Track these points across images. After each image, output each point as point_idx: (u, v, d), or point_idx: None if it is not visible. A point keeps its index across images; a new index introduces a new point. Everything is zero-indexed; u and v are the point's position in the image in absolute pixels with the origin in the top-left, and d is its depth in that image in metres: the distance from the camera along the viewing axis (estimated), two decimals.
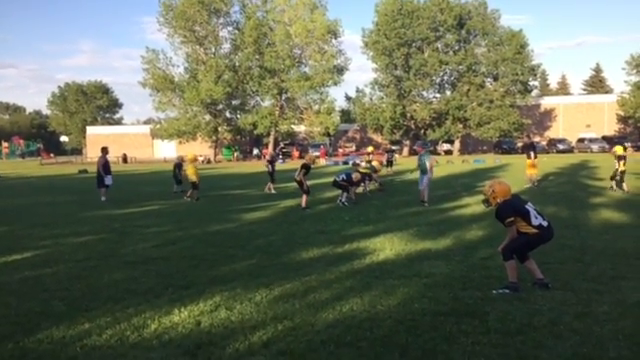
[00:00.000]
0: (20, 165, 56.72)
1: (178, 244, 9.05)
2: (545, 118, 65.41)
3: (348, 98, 61.03)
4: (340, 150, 61.85)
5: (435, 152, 52.20)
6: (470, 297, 5.55)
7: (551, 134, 62.84)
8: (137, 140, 71.86)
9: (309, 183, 14.22)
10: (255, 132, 56.89)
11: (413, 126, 57.98)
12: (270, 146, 56.75)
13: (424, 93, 58.33)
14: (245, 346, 4.40)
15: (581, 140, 55.33)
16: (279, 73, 54.63)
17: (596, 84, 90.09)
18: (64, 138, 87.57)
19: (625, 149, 16.81)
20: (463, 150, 58.40)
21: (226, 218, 12.21)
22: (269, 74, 54.38)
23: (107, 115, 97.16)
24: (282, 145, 59.06)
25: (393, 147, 37.67)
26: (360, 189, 15.53)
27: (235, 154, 60.49)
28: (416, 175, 14.31)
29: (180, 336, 4.68)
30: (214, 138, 57.66)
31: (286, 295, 5.79)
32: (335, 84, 54.73)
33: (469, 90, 55.21)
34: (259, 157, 58.42)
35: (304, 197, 13.51)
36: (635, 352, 4.15)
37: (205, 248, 8.64)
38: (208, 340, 4.56)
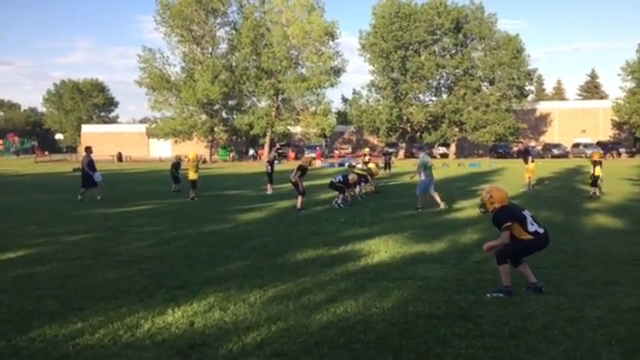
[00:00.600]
0: (14, 162, 56.45)
1: (172, 244, 9.03)
2: (540, 123, 65.73)
3: (345, 100, 61.16)
4: (336, 152, 61.90)
5: (431, 155, 52.21)
6: (464, 300, 5.56)
7: (546, 139, 63.15)
8: (132, 139, 71.67)
9: (305, 184, 14.21)
10: (251, 133, 56.86)
11: (409, 129, 58.10)
12: (266, 147, 56.71)
13: (420, 96, 58.53)
14: (239, 347, 4.39)
15: (576, 145, 55.58)
16: (276, 74, 54.63)
17: (591, 90, 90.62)
18: (59, 136, 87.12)
19: (601, 155, 17.02)
20: (459, 154, 58.56)
21: (221, 218, 12.18)
22: (266, 75, 54.36)
23: (103, 113, 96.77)
24: (278, 146, 58.87)
25: (390, 150, 37.75)
26: (357, 190, 15.53)
27: (231, 154, 60.41)
28: (416, 179, 14.05)
29: (173, 336, 4.66)
30: (210, 138, 57.59)
31: (280, 296, 5.78)
32: (332, 86, 54.77)
33: (465, 94, 55.39)
34: (255, 158, 58.39)
35: (299, 198, 13.51)
36: (628, 357, 4.16)
37: (200, 248, 8.62)
38: (201, 341, 4.54)
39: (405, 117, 56.17)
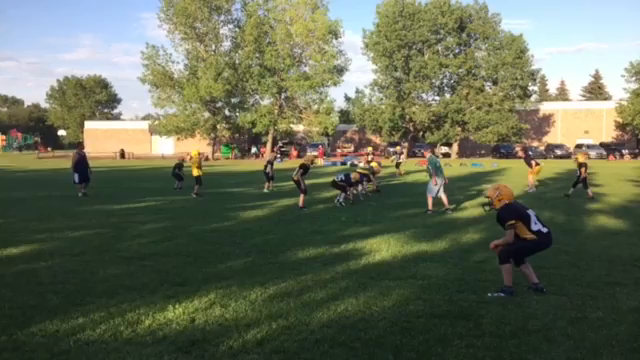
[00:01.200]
0: (17, 158, 56.57)
1: (174, 241, 9.04)
2: (544, 123, 65.55)
3: (347, 99, 61.01)
4: (338, 150, 61.85)
5: (434, 155, 52.11)
6: (465, 300, 5.56)
7: (549, 139, 62.97)
8: (135, 136, 71.71)
9: (307, 183, 14.22)
10: (254, 131, 56.81)
11: (412, 128, 58.00)
12: (268, 145, 56.73)
13: (423, 95, 58.33)
14: (239, 344, 4.40)
15: (579, 146, 55.40)
16: (279, 72, 54.61)
17: (595, 90, 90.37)
18: (62, 132, 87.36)
19: (587, 157, 17.27)
20: (461, 153, 58.45)
21: (223, 216, 12.20)
22: (269, 73, 54.34)
23: (105, 110, 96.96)
24: (280, 144, 59.05)
25: (401, 149, 37.62)
26: (359, 188, 15.53)
27: (233, 152, 60.41)
28: (426, 178, 13.77)
29: (174, 332, 4.67)
30: (213, 136, 57.60)
31: (281, 294, 5.79)
32: (335, 84, 54.70)
33: (468, 93, 55.26)
34: (257, 155, 58.39)
35: (301, 197, 13.51)
36: (629, 358, 4.16)
37: (201, 245, 8.63)
38: (202, 337, 4.55)
39: (408, 116, 56.06)
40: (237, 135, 61.79)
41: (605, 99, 76.63)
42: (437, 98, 58.89)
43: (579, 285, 6.15)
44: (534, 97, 62.22)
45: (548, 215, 11.50)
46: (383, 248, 8.27)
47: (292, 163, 41.25)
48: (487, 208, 6.20)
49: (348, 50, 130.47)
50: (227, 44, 57.42)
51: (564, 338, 4.52)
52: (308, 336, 4.56)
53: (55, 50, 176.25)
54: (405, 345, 4.37)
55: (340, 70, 55.07)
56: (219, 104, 56.39)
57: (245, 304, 5.43)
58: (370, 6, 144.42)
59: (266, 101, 57.96)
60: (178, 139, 57.85)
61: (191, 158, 17.22)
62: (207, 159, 53.18)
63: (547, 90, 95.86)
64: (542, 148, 56.91)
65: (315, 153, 41.85)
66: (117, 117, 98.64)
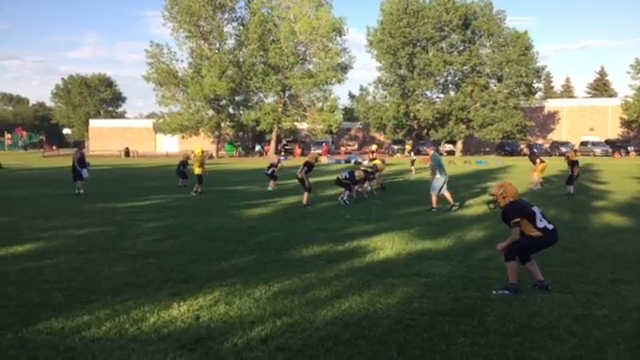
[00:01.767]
0: (22, 157, 56.81)
1: (179, 238, 9.07)
2: (549, 120, 65.26)
3: (351, 96, 60.99)
4: (342, 148, 61.80)
5: (438, 152, 52.11)
6: (469, 297, 5.55)
7: (554, 137, 62.70)
8: (140, 134, 71.87)
9: (311, 181, 14.22)
10: (258, 128, 56.86)
11: (416, 126, 57.90)
12: (272, 143, 56.75)
13: (428, 93, 58.17)
14: (244, 341, 4.41)
15: (584, 143, 55.16)
16: (283, 70, 54.62)
17: (600, 87, 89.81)
18: (67, 131, 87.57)
19: (577, 154, 17.45)
20: (465, 151, 58.28)
21: (227, 214, 12.22)
22: (273, 71, 54.36)
23: (110, 108, 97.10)
24: (284, 142, 59.07)
25: (413, 146, 37.58)
26: (365, 185, 15.51)
27: (237, 150, 60.48)
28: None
29: (179, 330, 4.68)
30: (217, 134, 57.71)
31: (285, 291, 5.80)
32: (339, 82, 54.70)
33: (473, 91, 55.10)
34: (261, 154, 58.43)
35: (305, 194, 13.51)
36: (634, 356, 4.14)
37: (206, 243, 8.65)
38: (207, 334, 4.56)
39: (412, 114, 55.95)
40: (241, 133, 61.86)
41: (610, 96, 76.17)
42: (441, 95, 58.75)
43: (584, 283, 6.13)
44: (539, 94, 62.06)
45: (553, 212, 11.46)
46: (387, 246, 8.27)
47: (296, 161, 41.23)
48: (492, 206, 6.19)
49: (352, 48, 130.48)
50: (231, 42, 57.59)
51: (569, 336, 4.50)
52: (312, 333, 4.56)
53: (59, 48, 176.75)
54: (409, 343, 4.36)
55: (344, 68, 55.06)
56: (223, 102, 56.48)
57: (249, 302, 5.44)
58: (374, 3, 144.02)
59: (270, 99, 58.06)
60: (182, 137, 57.99)
61: (195, 156, 17.26)
62: (211, 157, 53.25)
63: (552, 87, 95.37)
64: (547, 145, 56.68)
65: (319, 151, 41.87)
66: (122, 115, 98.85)
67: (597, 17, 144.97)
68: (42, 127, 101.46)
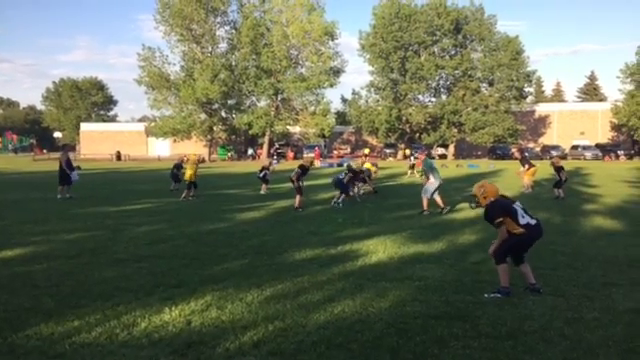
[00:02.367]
0: (13, 160, 56.35)
1: (170, 242, 9.02)
2: (540, 124, 65.72)
3: (344, 100, 61.07)
4: (335, 152, 61.81)
5: (429, 156, 52.34)
6: (462, 301, 5.56)
7: (545, 140, 63.16)
8: (131, 138, 71.56)
9: (304, 184, 14.22)
10: (250, 132, 56.79)
11: (408, 130, 58.07)
12: (265, 147, 56.66)
13: (420, 97, 58.43)
14: (236, 346, 4.38)
15: (575, 147, 55.58)
16: (275, 73, 54.63)
17: (590, 92, 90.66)
18: (58, 134, 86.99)
19: (562, 158, 17.78)
20: (457, 155, 58.54)
21: (219, 217, 12.18)
22: (265, 74, 54.34)
23: (102, 112, 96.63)
24: (277, 146, 59.02)
25: (413, 151, 37.68)
26: (356, 190, 15.52)
27: (230, 154, 60.34)
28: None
29: (170, 335, 4.65)
30: (209, 137, 57.56)
31: (278, 296, 5.78)
32: (331, 86, 54.78)
33: (464, 95, 55.38)
34: (254, 157, 58.36)
35: (297, 198, 13.51)
36: (625, 359, 4.17)
37: (197, 247, 8.61)
38: (198, 339, 4.53)
39: (404, 118, 56.13)
40: (234, 137, 61.74)
41: (600, 100, 76.86)
42: (433, 99, 59.04)
43: (575, 286, 6.16)
44: (530, 98, 62.37)
45: (544, 216, 11.51)
46: (380, 249, 8.27)
47: (289, 165, 41.19)
48: (473, 205, 6.27)
49: (344, 52, 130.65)
50: (223, 46, 57.54)
51: (560, 338, 4.52)
52: (305, 338, 4.55)
53: (51, 52, 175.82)
54: (402, 346, 4.36)
55: (336, 71, 55.18)
56: (215, 106, 56.36)
57: (241, 306, 5.42)
58: (366, 7, 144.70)
59: (262, 103, 57.99)
60: (174, 141, 57.82)
61: (188, 161, 17.19)
62: (203, 161, 53.05)
63: (543, 91, 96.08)
64: (538, 149, 57.07)
65: (312, 154, 41.86)
66: (113, 119, 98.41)
67: (587, 22, 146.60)
68: (33, 130, 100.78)
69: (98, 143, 68.92)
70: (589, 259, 7.58)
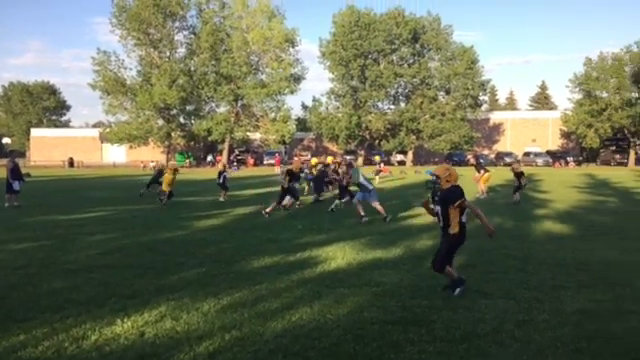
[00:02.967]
0: None
1: (124, 252, 8.77)
2: (494, 132, 67.79)
3: (304, 107, 61.26)
4: (295, 158, 61.78)
5: (389, 163, 53.09)
6: (418, 306, 5.64)
7: (499, 147, 65.19)
8: (85, 144, 69.47)
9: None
10: (209, 138, 56.13)
11: (368, 136, 58.78)
12: (224, 153, 56.06)
13: (379, 104, 59.37)
14: (190, 357, 4.30)
15: (527, 154, 57.56)
16: (235, 79, 54.25)
17: (542, 100, 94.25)
18: (6, 140, 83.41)
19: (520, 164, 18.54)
20: (416, 161, 59.63)
21: (177, 225, 11.94)
22: (225, 80, 53.90)
23: (54, 117, 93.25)
24: (237, 152, 58.51)
25: (382, 158, 38.04)
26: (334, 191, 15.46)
27: (188, 160, 59.39)
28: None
29: (122, 347, 4.52)
30: (167, 143, 56.48)
31: (235, 304, 5.71)
32: (292, 92, 54.88)
33: (422, 102, 56.58)
34: (213, 164, 57.65)
35: (273, 204, 13.61)
36: (573, 359, 4.32)
37: (153, 256, 8.41)
38: (152, 351, 4.42)
39: (364, 125, 56.80)
40: (192, 143, 60.84)
41: (551, 109, 79.96)
42: (392, 107, 60.08)
43: (526, 289, 6.35)
44: (484, 107, 64.36)
45: (498, 220, 11.85)
46: (338, 256, 8.30)
47: (249, 171, 40.97)
48: (430, 185, 6.45)
49: (305, 59, 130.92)
50: (182, 51, 56.80)
51: (512, 341, 4.65)
52: (262, 347, 4.51)
53: (0, 55, 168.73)
54: (359, 352, 4.38)
55: (297, 78, 55.29)
56: (174, 111, 55.41)
57: (197, 316, 5.32)
58: (327, 15, 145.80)
59: (222, 109, 57.50)
60: (131, 147, 56.44)
61: (169, 170, 16.75)
62: (177, 170, 51.96)
63: (497, 100, 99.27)
64: (492, 156, 58.82)
65: (272, 161, 41.67)
66: (66, 124, 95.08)
67: (539, 33, 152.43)
68: None
69: (50, 149, 66.58)
70: (539, 262, 7.83)
